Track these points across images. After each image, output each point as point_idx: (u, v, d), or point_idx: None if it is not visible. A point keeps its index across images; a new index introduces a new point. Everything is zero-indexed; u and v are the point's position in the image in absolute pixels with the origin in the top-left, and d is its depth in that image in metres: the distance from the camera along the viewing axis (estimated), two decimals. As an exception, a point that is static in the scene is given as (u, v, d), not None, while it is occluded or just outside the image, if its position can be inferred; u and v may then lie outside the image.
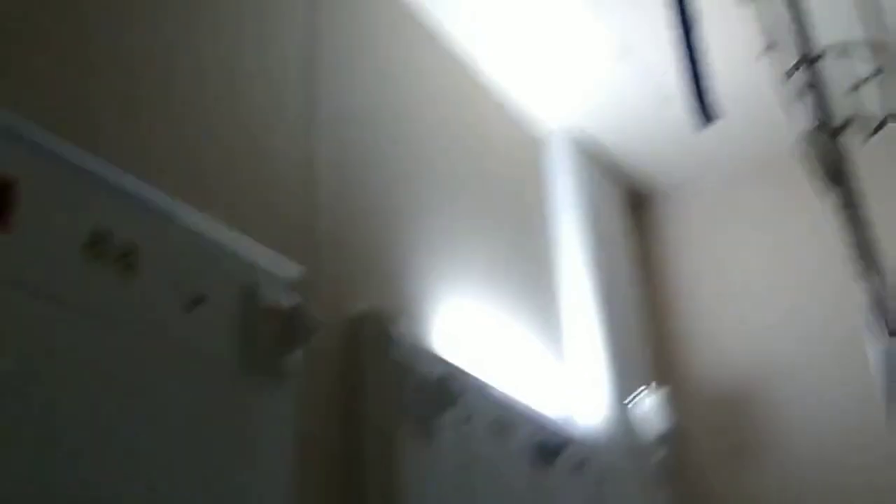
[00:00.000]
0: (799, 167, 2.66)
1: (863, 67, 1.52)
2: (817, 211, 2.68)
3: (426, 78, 2.18)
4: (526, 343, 2.26)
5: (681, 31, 1.54)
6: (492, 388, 1.86)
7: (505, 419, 1.85)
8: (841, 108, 1.45)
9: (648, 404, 2.45)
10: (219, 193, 1.42)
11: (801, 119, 1.44)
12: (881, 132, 1.46)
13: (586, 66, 2.50)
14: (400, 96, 2.03)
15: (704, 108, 1.50)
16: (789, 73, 1.47)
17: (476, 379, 1.82)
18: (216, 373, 1.24)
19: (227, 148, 1.47)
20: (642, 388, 2.51)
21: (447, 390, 1.65)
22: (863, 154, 1.48)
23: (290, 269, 1.43)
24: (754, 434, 2.65)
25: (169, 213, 1.24)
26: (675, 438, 2.53)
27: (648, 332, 2.86)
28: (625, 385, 2.49)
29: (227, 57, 1.54)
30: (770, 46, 1.52)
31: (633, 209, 3.12)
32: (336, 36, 1.86)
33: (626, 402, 2.45)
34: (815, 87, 1.43)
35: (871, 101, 1.48)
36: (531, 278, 2.42)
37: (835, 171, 1.36)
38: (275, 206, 1.55)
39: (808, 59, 1.42)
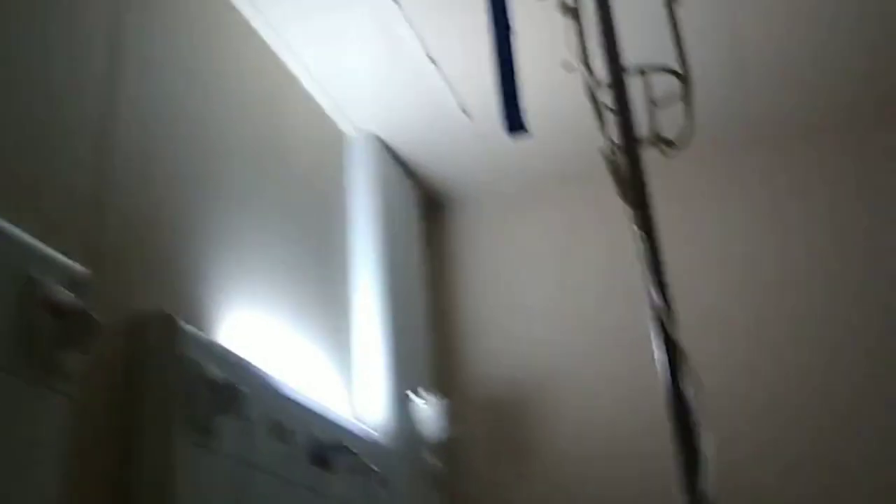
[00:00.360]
0: (593, 185, 2.87)
1: (666, 90, 1.59)
2: (609, 228, 2.89)
3: (231, 74, 2.13)
4: (313, 346, 2.26)
5: (496, 40, 1.54)
6: (276, 390, 1.86)
7: (287, 422, 1.84)
8: (643, 127, 1.51)
9: (428, 410, 2.49)
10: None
11: (603, 136, 1.49)
12: (677, 153, 1.55)
13: (393, 71, 2.52)
14: (202, 93, 1.97)
15: (514, 121, 1.52)
16: (595, 91, 1.52)
17: (260, 381, 1.80)
18: None
19: (11, 139, 1.36)
20: (423, 394, 2.56)
21: (230, 392, 1.62)
22: (660, 173, 1.57)
23: (73, 268, 1.34)
24: (528, 442, 2.76)
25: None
26: (453, 444, 2.59)
27: (433, 339, 2.91)
28: (406, 389, 2.54)
29: (18, 42, 1.41)
30: (573, 64, 1.56)
31: (429, 216, 3.19)
32: (141, 27, 1.78)
33: (407, 407, 2.48)
34: (620, 106, 1.48)
35: (671, 123, 1.56)
36: (324, 281, 2.42)
37: (633, 189, 1.43)
38: (60, 204, 1.46)
39: (616, 79, 1.48)
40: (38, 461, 1.19)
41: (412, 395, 2.53)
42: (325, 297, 2.39)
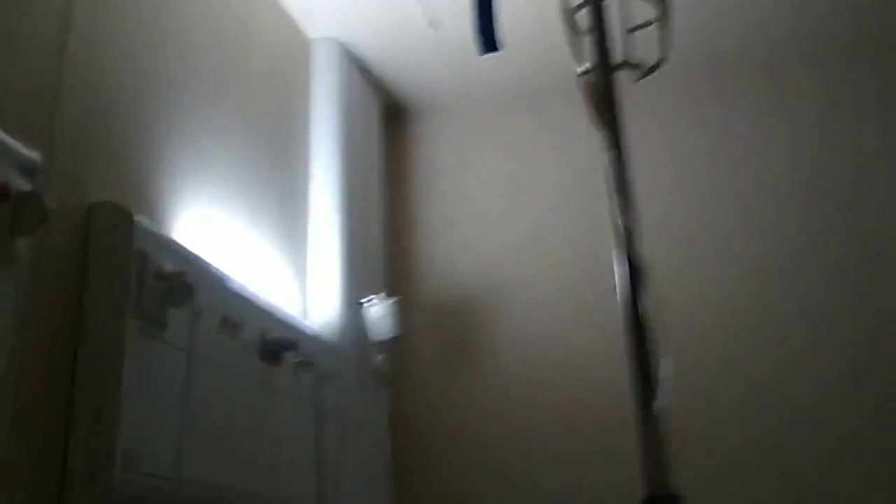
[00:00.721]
0: (556, 101, 2.85)
1: (642, 12, 1.57)
2: (569, 146, 2.89)
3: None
4: (268, 247, 2.27)
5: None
6: (228, 285, 1.87)
7: (237, 317, 1.85)
8: (618, 49, 1.50)
9: (377, 311, 2.52)
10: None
11: (577, 56, 1.47)
12: (650, 76, 1.54)
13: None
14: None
15: (488, 36, 1.49)
16: (572, 10, 1.49)
17: (213, 276, 1.81)
18: None
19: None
20: (373, 295, 2.59)
21: (181, 284, 1.62)
22: (632, 95, 1.56)
23: (26, 154, 1.32)
24: (476, 346, 2.81)
25: None
26: (400, 345, 2.63)
27: (389, 244, 2.93)
28: (358, 292, 2.58)
29: None
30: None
31: (391, 125, 3.16)
32: None
33: (357, 307, 2.52)
34: (597, 27, 1.46)
35: (647, 46, 1.55)
36: (283, 183, 2.42)
37: (606, 108, 1.42)
38: (17, 88, 1.42)
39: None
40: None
41: (364, 297, 2.55)
42: (283, 200, 2.39)
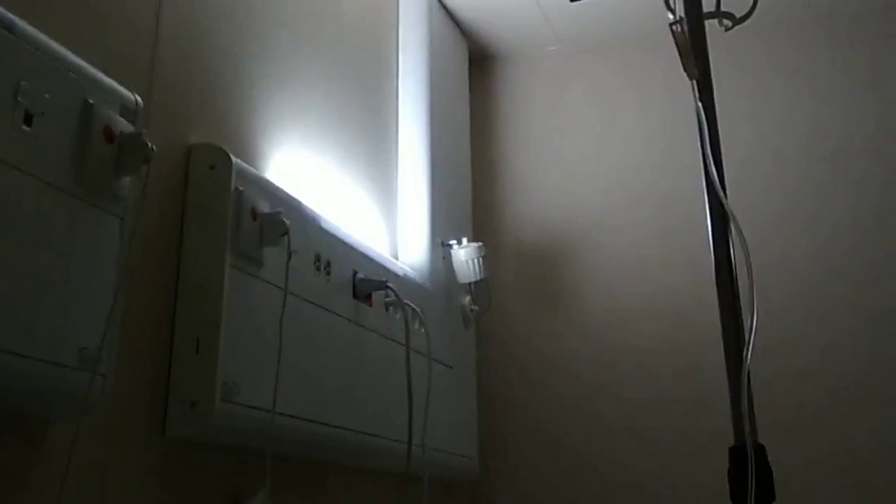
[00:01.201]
0: (645, 48, 2.80)
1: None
2: (656, 88, 2.83)
3: None
4: (357, 185, 2.30)
5: None
6: (321, 225, 1.90)
7: (330, 256, 1.90)
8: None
9: (464, 254, 2.54)
10: (56, 11, 1.33)
11: (668, 4, 1.45)
12: (741, 25, 1.51)
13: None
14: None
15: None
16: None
17: (306, 216, 1.85)
18: (46, 195, 1.18)
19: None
20: (461, 238, 2.61)
21: (277, 223, 1.66)
22: (722, 44, 1.53)
23: (129, 97, 1.36)
24: (561, 290, 2.82)
25: (6, 22, 1.14)
26: (486, 288, 2.65)
27: (475, 188, 2.94)
28: (446, 234, 2.61)
29: None
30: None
31: (477, 69, 3.14)
32: None
33: (445, 249, 2.57)
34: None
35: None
36: (372, 124, 2.44)
37: (696, 57, 1.40)
38: (119, 35, 1.47)
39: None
40: (93, 274, 1.26)
41: (451, 240, 2.58)
42: (372, 142, 2.41)
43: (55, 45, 1.23)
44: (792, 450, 2.34)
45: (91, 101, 1.26)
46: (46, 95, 1.19)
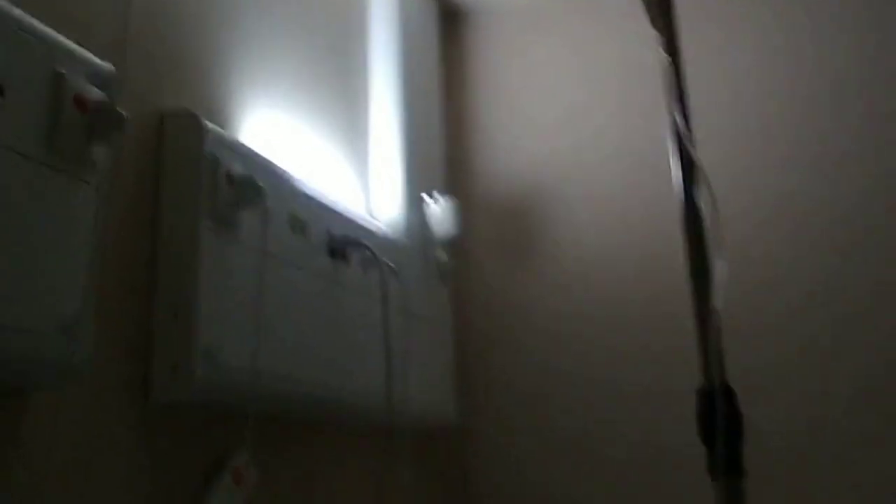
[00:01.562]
0: (615, 4, 2.79)
1: None
2: (629, 44, 2.83)
3: None
4: (332, 148, 2.31)
5: None
6: (295, 186, 1.92)
7: (305, 216, 1.92)
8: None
9: (438, 210, 2.55)
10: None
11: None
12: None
13: None
14: None
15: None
16: None
17: (280, 177, 1.86)
18: (19, 166, 1.19)
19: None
20: (435, 195, 2.63)
21: (252, 186, 1.68)
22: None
23: (99, 65, 1.36)
24: (533, 243, 2.85)
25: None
26: (460, 243, 2.67)
27: (447, 145, 2.95)
28: (419, 191, 2.63)
29: None
30: None
31: (448, 27, 3.14)
32: None
33: (418, 206, 2.59)
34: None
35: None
36: (343, 86, 2.43)
37: (662, 13, 1.42)
38: (85, 1, 1.45)
39: None
40: (70, 243, 1.26)
41: (425, 196, 2.59)
42: (344, 102, 2.41)
43: (24, 16, 1.23)
44: (765, 398, 2.40)
45: (62, 71, 1.26)
46: (16, 66, 1.19)
